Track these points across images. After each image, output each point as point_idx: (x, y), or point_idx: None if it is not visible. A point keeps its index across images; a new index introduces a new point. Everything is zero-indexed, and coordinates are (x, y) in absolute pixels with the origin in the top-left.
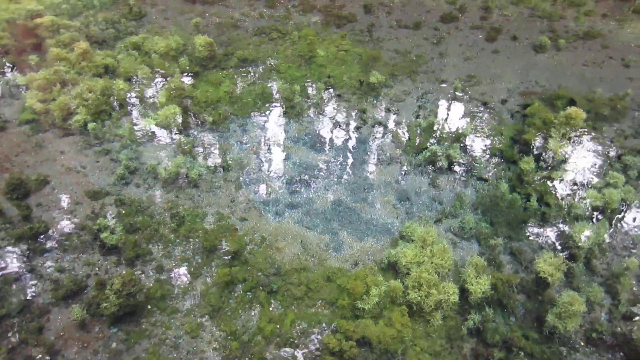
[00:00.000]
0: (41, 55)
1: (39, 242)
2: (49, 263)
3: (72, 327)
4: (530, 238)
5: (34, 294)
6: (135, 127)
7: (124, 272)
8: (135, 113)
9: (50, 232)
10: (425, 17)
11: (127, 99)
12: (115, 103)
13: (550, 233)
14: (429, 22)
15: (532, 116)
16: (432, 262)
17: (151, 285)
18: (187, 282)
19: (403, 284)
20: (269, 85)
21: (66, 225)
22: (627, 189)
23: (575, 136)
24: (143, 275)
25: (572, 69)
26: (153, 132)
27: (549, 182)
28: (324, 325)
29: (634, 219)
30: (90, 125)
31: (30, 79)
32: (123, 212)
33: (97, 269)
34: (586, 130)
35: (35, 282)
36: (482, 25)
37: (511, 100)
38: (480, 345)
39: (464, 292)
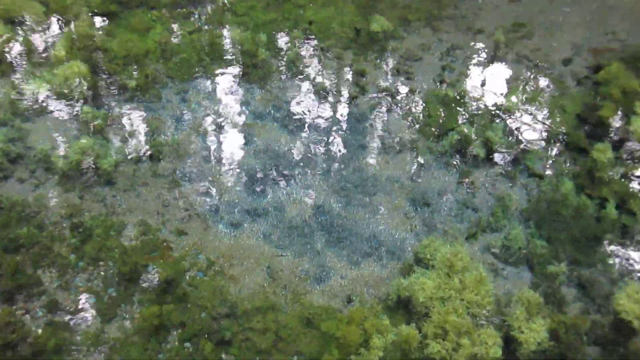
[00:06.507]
0: None
1: None
2: None
3: None
4: (607, 263)
5: None
6: (19, 94)
7: None
8: (19, 72)
9: None
10: None
11: (8, 52)
12: None
13: (636, 255)
14: None
15: (608, 84)
16: (462, 299)
17: (40, 331)
18: (96, 328)
19: (420, 331)
20: (221, 33)
21: None
22: None
23: None
24: (28, 315)
25: None
26: (45, 102)
27: (633, 181)
28: None
29: None
30: None
31: None
32: None
33: None
34: None
35: None
36: None
37: (577, 60)
38: None
39: (510, 342)
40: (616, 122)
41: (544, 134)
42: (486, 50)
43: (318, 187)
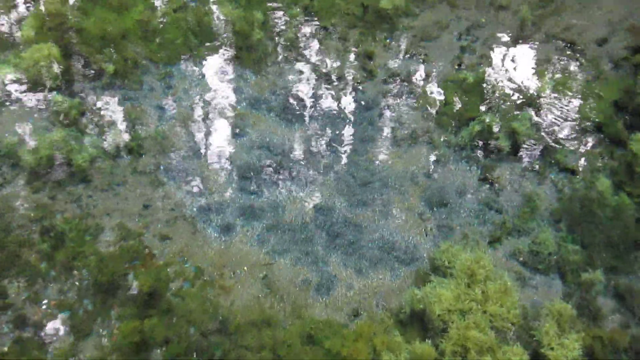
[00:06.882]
0: None
1: None
2: None
3: None
4: None
5: None
6: None
7: None
8: None
9: None
10: None
11: None
12: None
13: None
14: None
15: None
16: (485, 311)
17: (6, 349)
18: (70, 345)
19: (436, 349)
20: (210, 10)
21: None
22: None
23: None
24: None
25: None
26: (12, 89)
27: None
28: None
29: None
30: None
31: None
32: None
33: None
34: None
35: None
36: None
37: (614, 39)
38: None
39: None
40: None
41: (577, 124)
42: (510, 29)
43: (320, 184)
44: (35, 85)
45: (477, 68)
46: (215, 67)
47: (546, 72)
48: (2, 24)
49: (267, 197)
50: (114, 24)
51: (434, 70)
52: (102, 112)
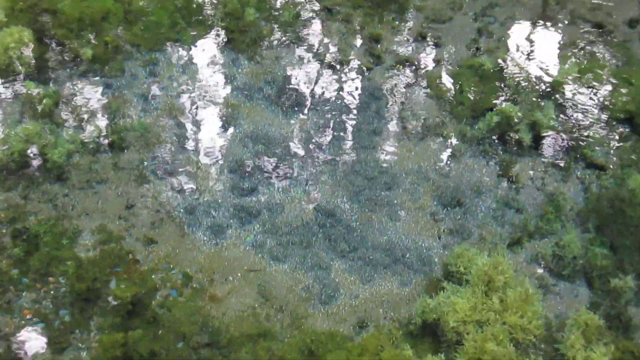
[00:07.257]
0: None
1: None
2: None
3: None
4: None
5: None
6: None
7: None
8: None
9: None
10: None
11: None
12: None
13: None
14: None
15: None
16: (504, 322)
17: None
18: (46, 359)
19: None
20: None
21: None
22: None
23: None
24: None
25: None
26: None
27: None
28: None
29: None
30: None
31: None
32: None
33: None
34: None
35: None
36: None
37: None
38: None
39: None
40: None
41: (605, 115)
42: (532, 9)
43: (322, 182)
44: (5, 73)
45: (495, 52)
46: (205, 52)
47: (571, 57)
48: None
49: (262, 196)
50: (93, 5)
51: (448, 55)
52: (79, 102)
